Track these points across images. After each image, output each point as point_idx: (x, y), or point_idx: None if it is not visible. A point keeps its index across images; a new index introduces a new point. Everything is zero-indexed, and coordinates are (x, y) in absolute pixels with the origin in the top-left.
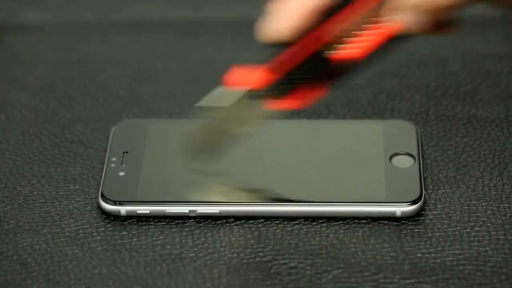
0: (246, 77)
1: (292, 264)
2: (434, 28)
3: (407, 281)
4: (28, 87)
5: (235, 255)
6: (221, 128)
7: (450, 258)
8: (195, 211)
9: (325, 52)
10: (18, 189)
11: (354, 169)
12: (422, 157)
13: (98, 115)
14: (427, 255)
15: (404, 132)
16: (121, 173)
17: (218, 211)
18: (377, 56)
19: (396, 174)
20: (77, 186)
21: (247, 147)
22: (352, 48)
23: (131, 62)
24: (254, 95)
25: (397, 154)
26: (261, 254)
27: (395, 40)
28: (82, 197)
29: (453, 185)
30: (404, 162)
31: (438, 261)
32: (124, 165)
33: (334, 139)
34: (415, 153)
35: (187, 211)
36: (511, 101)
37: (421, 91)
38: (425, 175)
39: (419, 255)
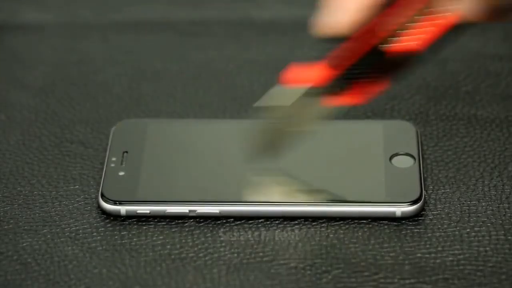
0: (304, 74)
1: (292, 264)
2: (492, 16)
3: (407, 281)
4: (28, 87)
5: (235, 255)
6: (281, 128)
7: (450, 258)
8: (195, 211)
9: (383, 45)
10: (18, 189)
11: (354, 169)
12: (422, 157)
13: (98, 115)
14: (427, 255)
15: (404, 132)
16: (121, 173)
17: (218, 211)
18: (435, 47)
19: (396, 174)
20: (77, 186)
21: (246, 146)
22: (410, 41)
23: (131, 62)
24: (313, 92)
25: (397, 154)
26: (261, 254)
27: (452, 31)
28: (82, 197)
29: (453, 185)
30: (404, 162)
31: (438, 261)
32: (124, 165)
33: (334, 139)
34: (415, 153)
35: (187, 211)
36: (511, 101)
37: (421, 91)
38: (425, 175)
39: (419, 255)
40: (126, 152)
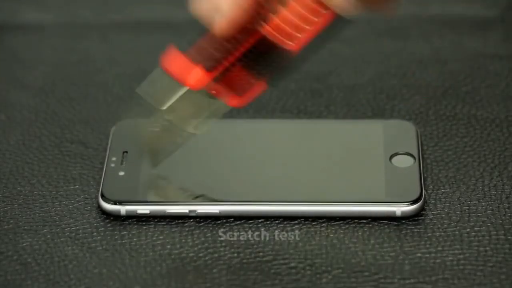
0: (185, 70)
1: (292, 264)
2: (370, 4)
3: (407, 281)
4: (28, 87)
5: (235, 255)
6: (171, 126)
7: (450, 258)
8: (195, 211)
9: (265, 43)
10: (18, 189)
11: (354, 169)
12: (422, 157)
13: (98, 115)
14: (427, 255)
15: (404, 132)
16: (121, 173)
17: (218, 211)
18: (318, 43)
19: (396, 174)
20: (77, 186)
21: (246, 146)
22: (290, 38)
23: (131, 62)
24: (194, 93)
25: (397, 154)
26: (261, 254)
27: (334, 25)
28: (82, 197)
29: (453, 185)
30: (404, 161)
31: (438, 261)
32: (124, 165)
33: (334, 139)
34: (415, 153)
35: (187, 211)
36: (511, 101)
37: (421, 91)
38: (425, 175)
39: (419, 255)
40: (126, 152)
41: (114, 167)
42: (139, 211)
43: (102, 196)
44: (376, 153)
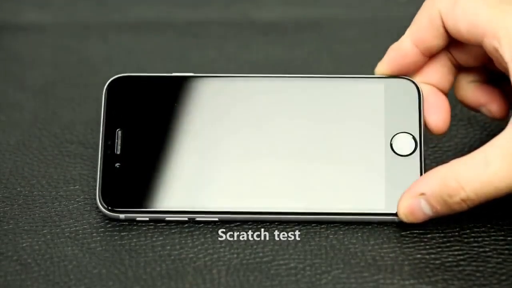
0: None
1: (292, 265)
2: None
3: (407, 282)
4: (28, 87)
5: (235, 255)
6: None
7: (450, 259)
8: (194, 219)
9: None
10: (18, 189)
11: (354, 174)
12: (424, 161)
13: (98, 115)
14: (427, 256)
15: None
16: (120, 180)
17: (217, 219)
18: None
19: (397, 181)
20: (77, 187)
21: (245, 149)
22: None
23: (131, 62)
24: None
25: (398, 133)
26: (260, 254)
27: None
28: (82, 197)
29: None
30: (406, 162)
31: (437, 262)
32: (123, 170)
33: (335, 143)
34: (416, 135)
35: (186, 219)
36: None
37: None
38: None
39: (418, 256)
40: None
41: (113, 171)
42: (138, 219)
43: (101, 202)
44: (377, 151)
